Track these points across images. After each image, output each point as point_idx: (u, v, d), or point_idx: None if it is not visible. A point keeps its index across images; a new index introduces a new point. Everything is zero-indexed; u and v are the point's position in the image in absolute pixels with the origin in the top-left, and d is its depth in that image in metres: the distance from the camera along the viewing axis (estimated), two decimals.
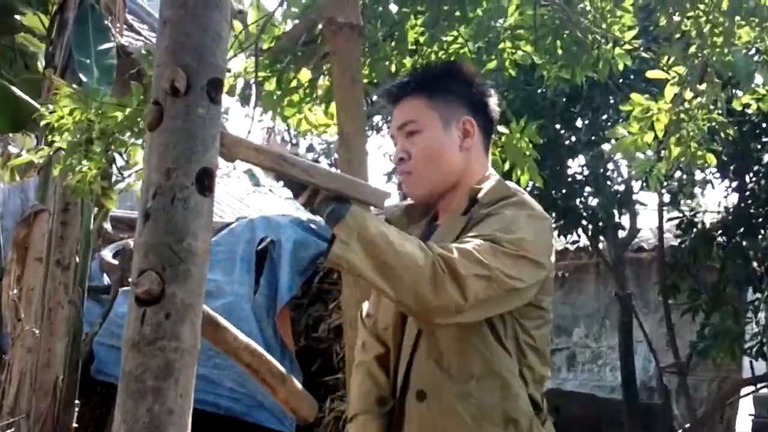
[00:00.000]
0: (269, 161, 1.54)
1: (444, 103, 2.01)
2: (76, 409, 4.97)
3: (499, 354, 1.86)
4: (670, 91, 4.09)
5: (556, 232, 8.60)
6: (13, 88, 5.45)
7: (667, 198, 8.52)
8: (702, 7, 3.73)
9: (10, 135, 6.16)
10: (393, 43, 4.24)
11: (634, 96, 4.25)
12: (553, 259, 1.99)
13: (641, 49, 4.38)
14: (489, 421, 1.82)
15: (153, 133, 1.32)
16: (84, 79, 5.04)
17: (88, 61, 5.19)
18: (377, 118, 9.87)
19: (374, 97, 6.91)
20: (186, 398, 1.33)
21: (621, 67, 4.22)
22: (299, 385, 1.86)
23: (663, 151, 4.38)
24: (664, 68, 4.14)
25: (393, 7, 4.23)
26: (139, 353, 1.30)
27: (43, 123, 4.24)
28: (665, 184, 7.38)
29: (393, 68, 4.36)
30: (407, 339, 1.92)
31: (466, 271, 1.69)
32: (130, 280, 4.85)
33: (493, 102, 2.10)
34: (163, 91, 1.30)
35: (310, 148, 15.09)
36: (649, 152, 4.57)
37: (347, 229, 1.62)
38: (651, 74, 4.28)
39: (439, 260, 1.68)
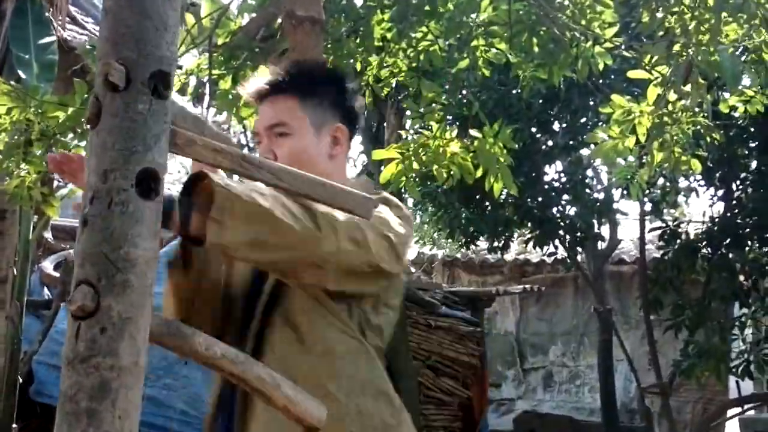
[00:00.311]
0: (229, 162, 1.51)
1: (317, 108, 2.06)
2: None
3: (355, 334, 1.96)
4: (653, 92, 4.11)
5: (531, 243, 8.66)
6: None
7: (649, 207, 8.59)
8: (687, 2, 3.75)
9: None
10: (358, 40, 4.24)
11: (615, 98, 4.26)
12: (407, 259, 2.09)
13: (622, 47, 4.41)
14: (362, 394, 1.93)
15: (92, 132, 1.30)
16: (23, 75, 5.00)
17: (27, 56, 5.14)
18: None
19: None
20: (126, 420, 1.29)
21: (601, 66, 4.24)
22: (297, 388, 1.80)
23: (645, 157, 4.41)
24: (647, 68, 4.16)
25: (358, 1, 4.23)
26: (74, 371, 1.27)
27: None
28: (647, 192, 7.47)
29: (358, 66, 4.36)
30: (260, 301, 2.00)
31: (343, 228, 1.80)
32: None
33: (360, 109, 2.19)
34: (101, 87, 1.29)
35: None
36: (631, 158, 4.60)
37: (216, 209, 1.63)
38: (633, 74, 4.30)
39: (320, 215, 1.77)
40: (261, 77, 2.12)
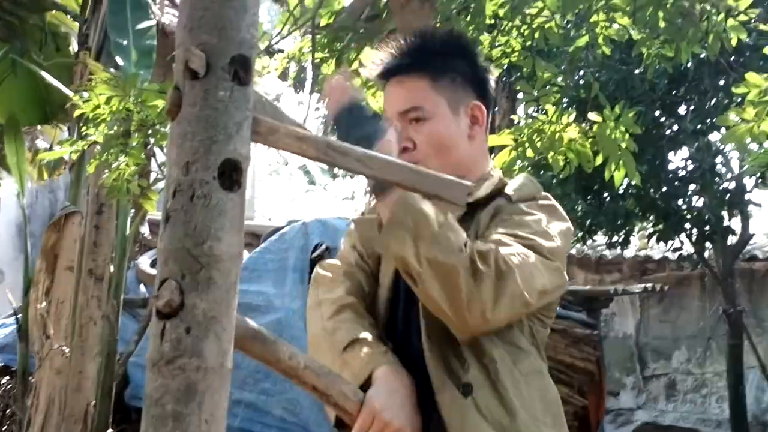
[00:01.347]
0: (315, 150, 1.52)
1: (451, 86, 2.04)
2: None
3: (531, 350, 2.02)
4: None
5: (654, 238, 8.58)
6: (43, 74, 5.53)
7: None
8: None
9: (39, 127, 6.25)
10: (468, 18, 4.22)
11: (750, 76, 4.14)
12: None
13: (759, 20, 4.27)
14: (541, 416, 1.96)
15: (173, 122, 1.32)
16: (121, 62, 5.08)
17: (125, 42, 5.23)
18: None
19: None
20: (213, 425, 1.31)
21: (734, 42, 4.14)
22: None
23: None
24: None
25: None
26: (159, 374, 1.29)
27: (75, 113, 4.29)
28: None
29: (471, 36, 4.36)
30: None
31: (508, 285, 1.80)
32: None
33: (493, 83, 2.16)
34: (181, 75, 1.31)
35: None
36: (767, 143, 4.46)
37: (396, 221, 1.77)
38: None
39: (492, 258, 1.78)
40: (382, 53, 2.09)
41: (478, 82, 2.08)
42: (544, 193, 2.05)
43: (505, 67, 4.63)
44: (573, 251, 12.44)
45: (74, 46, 5.89)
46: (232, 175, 1.29)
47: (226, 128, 1.29)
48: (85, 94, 4.15)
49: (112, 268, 5.11)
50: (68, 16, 6.00)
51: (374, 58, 2.11)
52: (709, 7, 4.05)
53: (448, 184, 1.71)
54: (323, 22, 4.33)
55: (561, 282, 1.96)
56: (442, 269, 1.75)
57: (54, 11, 5.97)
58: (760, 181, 7.26)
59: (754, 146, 4.73)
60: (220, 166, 1.28)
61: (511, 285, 1.78)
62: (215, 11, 1.32)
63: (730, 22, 4.09)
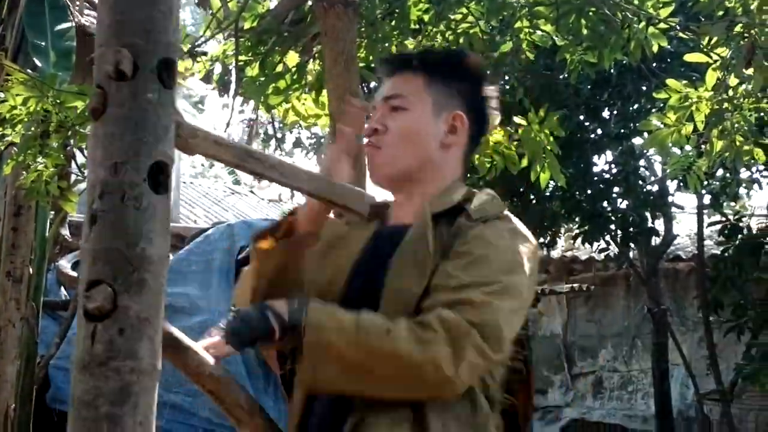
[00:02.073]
0: (232, 156, 1.56)
1: (442, 91, 2.02)
2: None
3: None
4: (712, 76, 4.09)
5: (580, 239, 8.67)
6: None
7: (707, 200, 8.55)
8: None
9: None
10: (393, 22, 4.25)
11: (671, 82, 4.25)
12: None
13: (679, 28, 4.38)
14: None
15: (97, 123, 1.32)
16: (39, 63, 5.03)
17: (43, 43, 5.18)
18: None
19: (372, 84, 6.91)
20: (146, 427, 1.32)
21: (655, 49, 4.21)
22: (270, 419, 1.87)
23: (703, 146, 4.38)
24: (705, 50, 4.14)
25: None
26: (91, 376, 1.30)
27: None
28: (706, 183, 7.41)
29: (393, 50, 4.36)
30: None
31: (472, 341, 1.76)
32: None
33: (493, 110, 2.11)
34: (106, 75, 1.32)
35: (298, 143, 15.16)
36: (688, 147, 4.56)
37: (310, 348, 1.73)
38: (690, 57, 4.26)
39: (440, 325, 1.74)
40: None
41: (472, 100, 2.05)
42: (506, 213, 1.97)
43: None
44: None
45: None
46: (159, 177, 1.30)
47: (155, 130, 1.30)
48: (1, 95, 4.11)
49: (31, 270, 5.05)
50: None
51: (385, 57, 2.15)
52: (630, 15, 4.10)
53: (356, 195, 1.78)
54: (247, 25, 4.32)
55: (524, 316, 1.95)
56: (385, 365, 1.73)
57: None
58: (682, 184, 7.38)
59: (676, 150, 4.82)
60: (149, 168, 1.28)
61: (467, 346, 1.74)
62: (141, 13, 1.33)
63: (651, 29, 4.15)
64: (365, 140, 2.01)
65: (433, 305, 1.77)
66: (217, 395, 1.85)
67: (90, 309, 1.29)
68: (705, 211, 8.98)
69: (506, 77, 6.62)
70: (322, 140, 10.79)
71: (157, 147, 1.30)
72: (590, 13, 4.13)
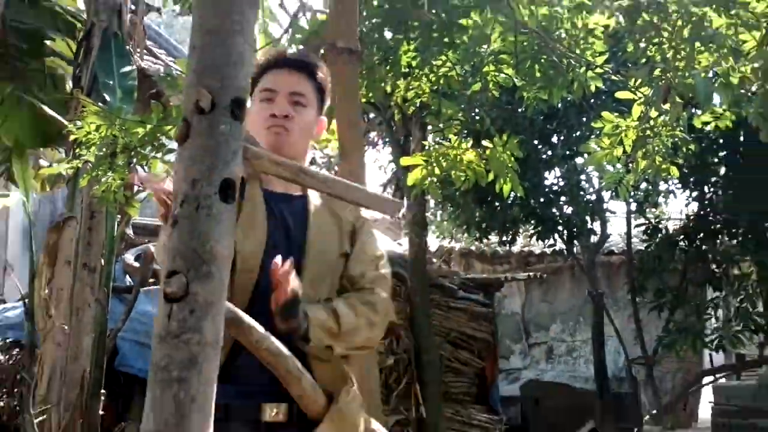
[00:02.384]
0: (290, 173, 1.56)
1: (319, 100, 2.08)
2: (102, 399, 4.95)
3: None
4: (636, 110, 4.11)
5: (534, 238, 8.65)
6: (44, 107, 5.45)
7: (634, 207, 8.56)
8: (665, 34, 3.74)
9: (41, 149, 6.15)
10: (388, 67, 4.25)
11: (605, 114, 4.27)
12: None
13: (611, 72, 4.39)
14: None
15: (181, 147, 1.33)
16: (108, 98, 5.04)
17: (111, 82, 5.19)
18: (373, 134, 9.91)
19: (371, 115, 6.94)
20: (208, 387, 1.30)
21: (593, 88, 4.23)
22: (313, 384, 1.87)
23: (631, 164, 4.39)
24: (632, 89, 4.16)
25: (388, 34, 4.25)
26: (166, 346, 1.28)
27: (71, 138, 4.23)
28: (632, 194, 7.44)
29: (388, 89, 4.37)
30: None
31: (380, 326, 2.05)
32: (150, 281, 4.77)
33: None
34: (190, 110, 1.31)
35: (312, 161, 15.05)
36: (618, 165, 4.57)
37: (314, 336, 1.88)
38: (620, 95, 4.30)
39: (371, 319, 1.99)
40: (280, 50, 2.18)
41: (322, 107, 2.11)
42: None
43: (417, 104, 4.67)
44: (472, 247, 12.49)
45: (69, 85, 5.82)
46: (227, 191, 1.29)
47: (225, 155, 1.29)
48: (78, 123, 4.11)
49: (102, 262, 5.03)
50: (64, 61, 5.93)
51: (276, 52, 2.15)
52: (573, 62, 4.11)
53: (384, 201, 1.77)
54: None
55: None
56: (354, 344, 1.98)
57: (52, 57, 5.89)
58: (614, 194, 7.40)
59: (609, 167, 4.83)
60: (220, 184, 1.28)
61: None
62: (220, 61, 1.32)
63: (590, 73, 4.16)
64: (274, 119, 2.01)
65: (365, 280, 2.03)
66: (271, 364, 1.84)
67: (168, 293, 1.28)
68: (632, 216, 8.98)
69: (476, 110, 6.61)
70: (332, 159, 10.75)
71: (227, 168, 1.30)
72: (542, 60, 4.15)
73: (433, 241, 11.95)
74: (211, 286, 1.30)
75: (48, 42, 5.82)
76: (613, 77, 4.46)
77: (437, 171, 4.25)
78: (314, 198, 2.03)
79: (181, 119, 1.32)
